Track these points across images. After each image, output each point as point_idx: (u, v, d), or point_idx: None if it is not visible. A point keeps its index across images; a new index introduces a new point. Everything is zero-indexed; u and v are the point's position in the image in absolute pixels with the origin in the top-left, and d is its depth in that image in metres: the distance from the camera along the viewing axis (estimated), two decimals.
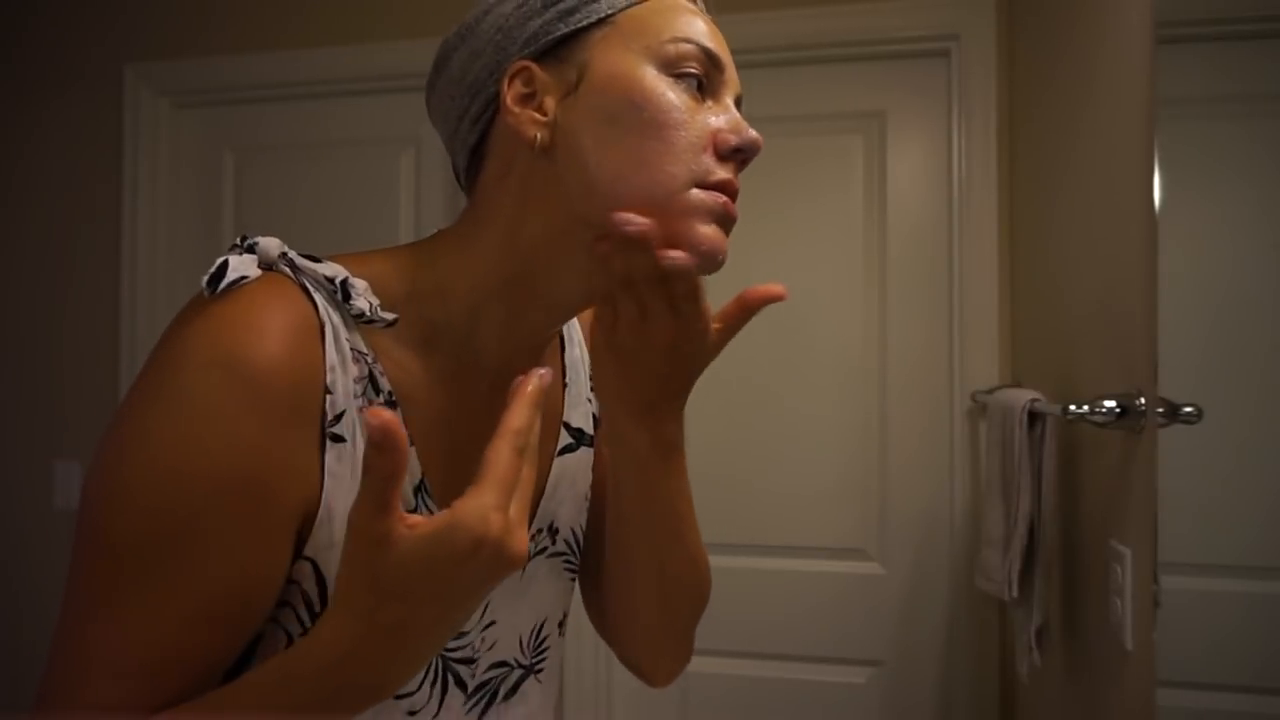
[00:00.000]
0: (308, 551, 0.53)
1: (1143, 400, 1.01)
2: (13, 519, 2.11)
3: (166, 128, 2.09)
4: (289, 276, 0.54)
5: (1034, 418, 1.32)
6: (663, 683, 0.74)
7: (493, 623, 0.65)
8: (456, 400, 0.60)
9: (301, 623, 0.54)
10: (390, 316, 0.55)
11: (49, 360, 2.11)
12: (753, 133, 0.56)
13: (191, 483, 0.47)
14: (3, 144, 2.15)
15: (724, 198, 0.55)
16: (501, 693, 0.67)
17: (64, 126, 2.12)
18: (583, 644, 1.86)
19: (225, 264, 0.52)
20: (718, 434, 1.85)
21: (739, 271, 1.53)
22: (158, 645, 0.48)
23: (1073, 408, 1.11)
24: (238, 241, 0.55)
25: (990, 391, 1.62)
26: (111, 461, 0.48)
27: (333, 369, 0.52)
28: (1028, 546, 1.33)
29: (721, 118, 0.56)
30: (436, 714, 0.62)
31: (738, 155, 0.56)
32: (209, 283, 0.51)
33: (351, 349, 0.54)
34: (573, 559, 0.73)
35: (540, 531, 0.69)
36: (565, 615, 0.73)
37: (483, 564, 0.43)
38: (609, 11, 0.56)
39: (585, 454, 0.73)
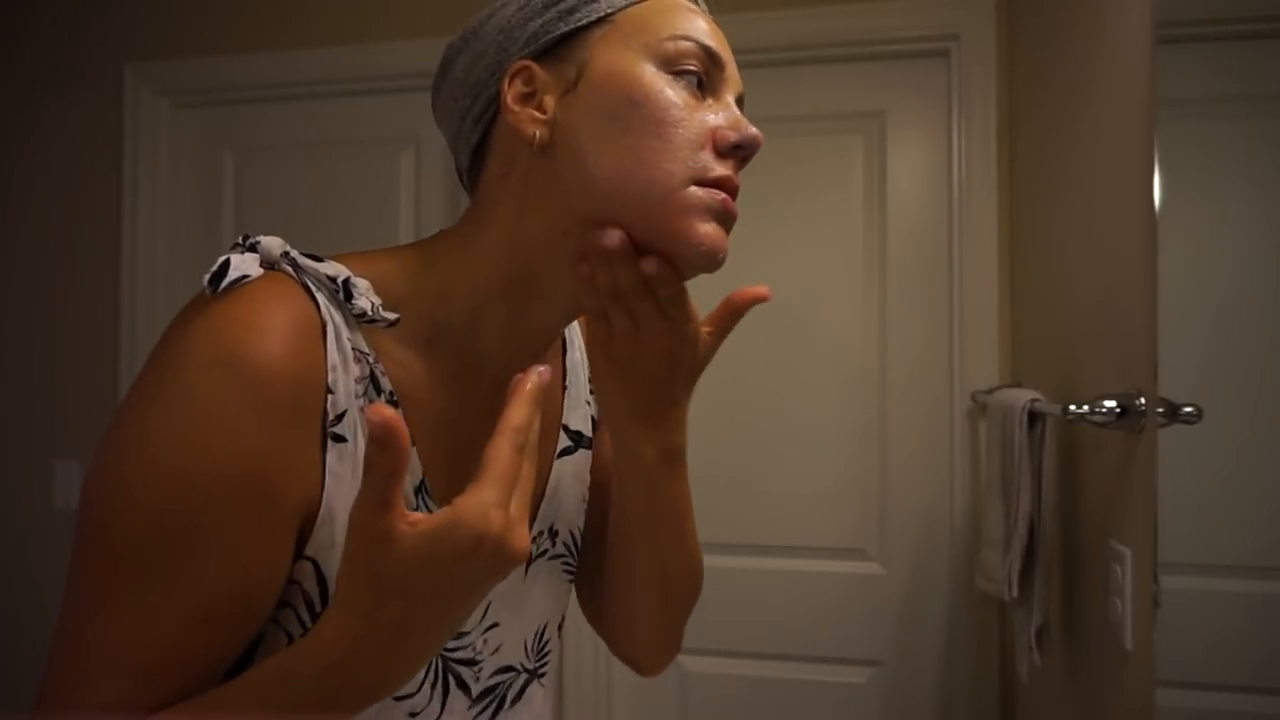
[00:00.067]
0: (309, 551, 0.53)
1: (1143, 400, 1.01)
2: (13, 519, 2.11)
3: (166, 128, 2.09)
4: (291, 276, 0.54)
5: (1034, 418, 1.32)
6: (656, 672, 0.76)
7: (495, 625, 0.65)
8: (458, 400, 0.60)
9: (302, 623, 0.54)
10: (392, 316, 0.55)
11: (49, 360, 2.11)
12: (752, 129, 0.56)
13: (193, 482, 0.47)
14: (3, 144, 2.15)
15: (723, 195, 0.55)
16: (509, 699, 0.67)
17: (64, 126, 2.12)
18: (582, 644, 1.86)
19: (227, 263, 0.52)
20: (718, 434, 1.85)
21: (739, 272, 1.54)
22: (158, 645, 0.48)
23: (1073, 408, 1.11)
24: (239, 240, 0.55)
25: (990, 391, 1.62)
26: (112, 460, 0.48)
27: (334, 368, 0.52)
28: (1028, 546, 1.33)
29: (721, 115, 0.56)
30: (439, 717, 0.62)
31: (737, 152, 0.56)
32: (210, 281, 0.51)
33: (353, 348, 0.54)
34: (571, 561, 0.73)
35: (541, 534, 0.69)
36: (563, 617, 0.74)
37: (484, 561, 0.43)
38: (609, 10, 0.56)
39: (584, 456, 0.73)
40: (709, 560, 1.80)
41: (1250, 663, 0.83)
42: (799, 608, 1.81)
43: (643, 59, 0.55)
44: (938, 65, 1.80)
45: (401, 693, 0.59)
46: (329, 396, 0.52)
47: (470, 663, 0.64)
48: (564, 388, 0.72)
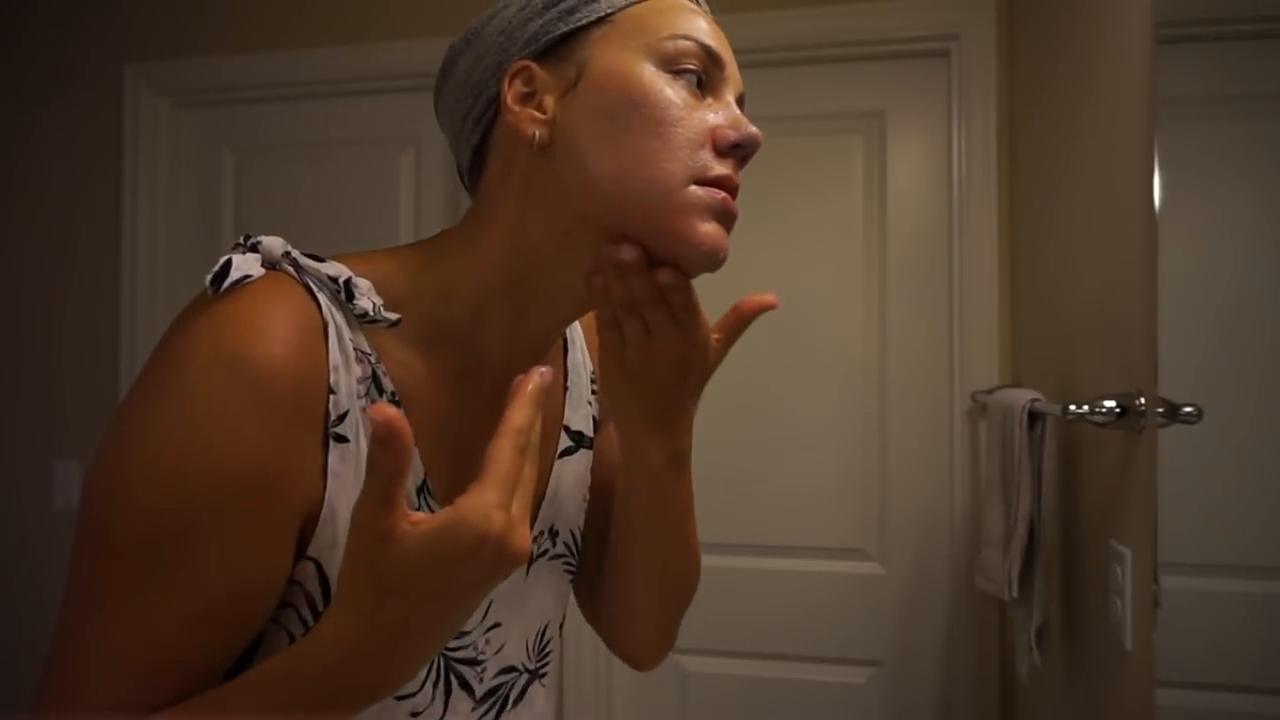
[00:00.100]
0: (310, 551, 0.53)
1: (1143, 400, 1.01)
2: (13, 519, 2.11)
3: (166, 128, 2.09)
4: (292, 276, 0.54)
5: (1034, 418, 1.33)
6: (652, 667, 0.78)
7: (497, 625, 0.65)
8: (459, 401, 0.60)
9: (304, 622, 0.54)
10: (393, 316, 0.55)
11: (49, 360, 2.11)
12: (752, 128, 0.56)
13: (194, 482, 0.47)
14: (3, 144, 2.15)
15: (723, 194, 0.55)
16: (511, 699, 0.67)
17: (64, 126, 2.12)
18: (582, 644, 1.86)
19: (229, 263, 0.52)
20: (718, 434, 1.85)
21: (739, 272, 1.54)
22: (158, 645, 0.48)
23: (1073, 408, 1.11)
24: (241, 240, 0.55)
25: (990, 391, 1.62)
26: (113, 460, 0.48)
27: (336, 369, 0.52)
28: (1028, 546, 1.33)
29: (720, 114, 0.56)
30: (441, 717, 0.62)
31: (737, 151, 0.56)
32: (212, 281, 0.51)
33: (355, 349, 0.54)
34: (571, 560, 0.73)
35: (542, 534, 0.69)
36: (564, 617, 0.74)
37: (485, 561, 0.43)
38: (609, 10, 0.56)
39: (585, 456, 0.73)
40: (709, 560, 1.80)
41: (1250, 663, 0.83)
42: (799, 608, 1.81)
43: (642, 59, 0.55)
44: (938, 65, 1.80)
45: (403, 692, 0.59)
46: (331, 397, 0.52)
47: (473, 662, 0.64)
48: (565, 388, 0.72)
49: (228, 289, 0.51)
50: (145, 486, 0.47)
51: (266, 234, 0.56)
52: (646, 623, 0.73)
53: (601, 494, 0.77)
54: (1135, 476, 1.05)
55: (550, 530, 0.70)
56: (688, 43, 0.55)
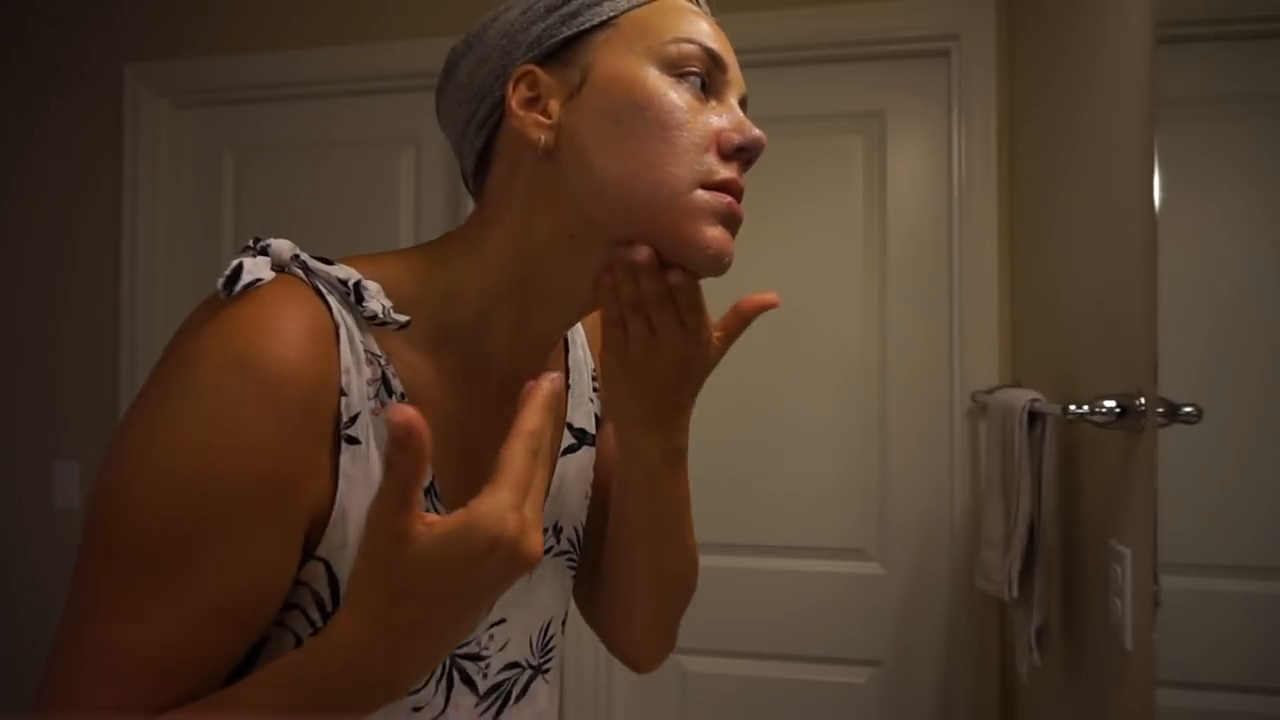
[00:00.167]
0: (320, 552, 0.53)
1: (1143, 400, 1.02)
2: (13, 519, 2.11)
3: (166, 128, 2.09)
4: (302, 279, 0.54)
5: (1034, 418, 1.33)
6: (652, 669, 0.78)
7: (501, 621, 0.66)
8: (467, 402, 0.61)
9: (312, 624, 0.54)
10: (403, 319, 0.55)
11: (49, 360, 2.11)
12: (756, 131, 0.56)
13: (204, 485, 0.47)
14: (3, 144, 2.15)
15: (728, 198, 0.55)
16: (514, 695, 0.67)
17: (64, 126, 2.12)
18: (582, 644, 1.86)
19: (240, 266, 0.52)
20: (718, 434, 1.85)
21: (739, 272, 1.54)
22: (163, 646, 0.48)
23: (1073, 408, 1.11)
24: (251, 244, 0.55)
25: (990, 391, 1.62)
26: (122, 462, 0.48)
27: (347, 371, 0.53)
28: (1028, 546, 1.33)
29: (724, 117, 0.56)
30: (443, 711, 0.62)
31: (741, 154, 0.56)
32: (224, 285, 0.51)
33: (365, 351, 0.55)
34: (574, 556, 0.73)
35: (546, 531, 0.69)
36: (566, 613, 0.74)
37: (499, 563, 0.44)
38: (612, 14, 0.56)
39: (587, 453, 0.73)
40: (709, 560, 1.80)
41: (1250, 663, 0.83)
42: (799, 608, 1.82)
43: (646, 62, 0.55)
44: (938, 65, 1.80)
45: None
46: (342, 399, 0.52)
47: (476, 658, 0.64)
48: (567, 386, 0.72)
49: (239, 293, 0.51)
50: (155, 488, 0.47)
51: (267, 234, 0.56)
52: (644, 622, 0.73)
53: (602, 490, 0.77)
54: (1135, 476, 1.05)
55: (554, 527, 0.70)
56: (691, 46, 0.55)
